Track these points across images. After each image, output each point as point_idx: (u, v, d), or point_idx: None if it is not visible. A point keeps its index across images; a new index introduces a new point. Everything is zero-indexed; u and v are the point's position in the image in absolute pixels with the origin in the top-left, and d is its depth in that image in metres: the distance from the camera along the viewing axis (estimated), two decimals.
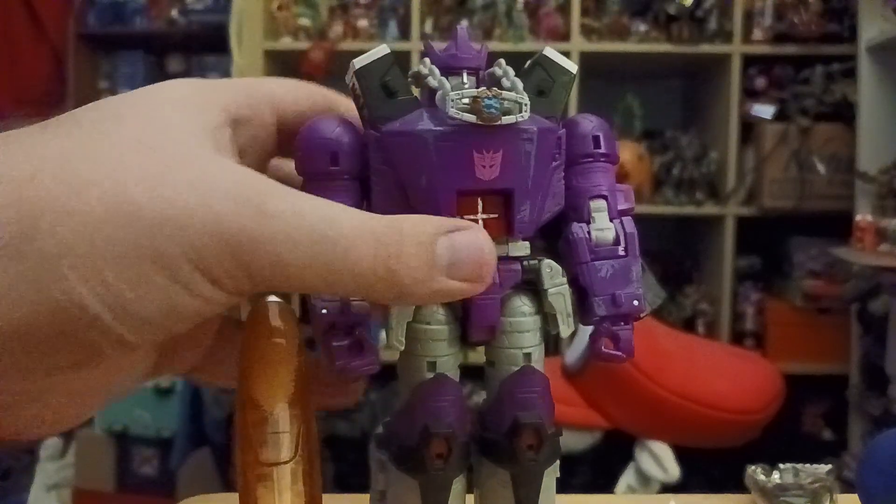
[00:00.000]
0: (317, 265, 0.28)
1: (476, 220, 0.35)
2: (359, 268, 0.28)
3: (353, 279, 0.28)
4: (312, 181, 0.35)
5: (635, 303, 0.36)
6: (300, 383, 0.32)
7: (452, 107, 0.33)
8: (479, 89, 0.33)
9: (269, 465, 0.30)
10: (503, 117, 0.33)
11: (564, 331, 0.36)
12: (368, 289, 0.29)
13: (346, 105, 0.38)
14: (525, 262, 0.36)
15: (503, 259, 0.35)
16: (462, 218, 0.34)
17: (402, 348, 0.35)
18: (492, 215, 0.35)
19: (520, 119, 0.33)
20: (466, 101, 0.33)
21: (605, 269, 0.36)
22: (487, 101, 0.33)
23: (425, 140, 0.34)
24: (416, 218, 0.30)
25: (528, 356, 0.36)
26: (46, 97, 3.02)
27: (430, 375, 0.35)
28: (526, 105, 0.33)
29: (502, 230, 0.35)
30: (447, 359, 0.35)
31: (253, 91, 0.35)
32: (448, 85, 0.34)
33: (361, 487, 0.39)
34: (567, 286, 0.36)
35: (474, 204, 0.35)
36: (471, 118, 0.33)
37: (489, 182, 0.34)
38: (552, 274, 0.35)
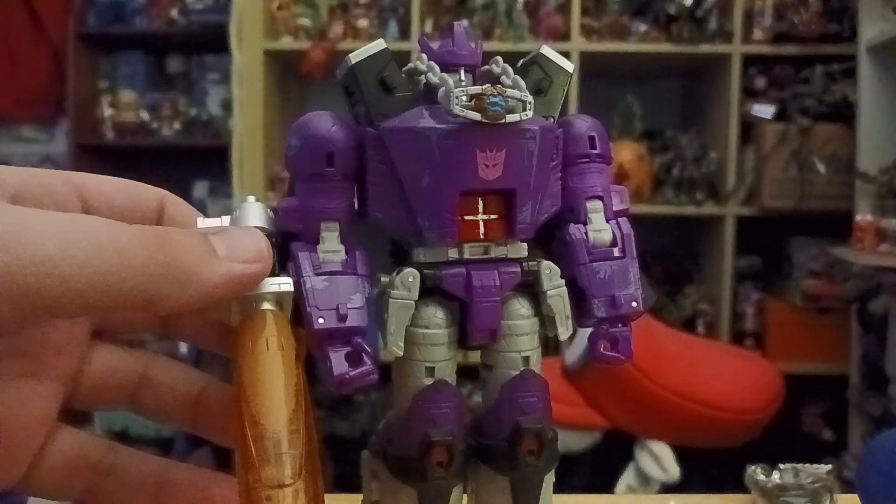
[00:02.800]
0: (88, 257, 0.25)
1: (476, 221, 0.34)
2: (131, 252, 0.26)
3: (129, 268, 0.26)
4: (304, 181, 0.34)
5: (634, 304, 0.35)
6: (300, 397, 0.30)
7: (457, 104, 0.32)
8: (484, 86, 0.32)
9: (272, 488, 0.28)
10: (507, 115, 0.32)
11: (563, 333, 0.35)
12: (151, 279, 0.27)
13: (172, 200, 0.35)
14: (525, 264, 0.35)
15: (502, 261, 0.34)
16: (462, 219, 0.34)
17: (402, 353, 0.34)
18: (492, 216, 0.34)
19: (524, 117, 0.32)
20: (469, 98, 0.32)
21: (604, 271, 0.35)
22: (493, 99, 0.32)
23: (428, 138, 0.32)
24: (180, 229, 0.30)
25: (526, 360, 0.35)
26: (46, 97, 3.02)
27: (429, 381, 0.34)
28: (530, 103, 0.32)
29: (503, 231, 0.34)
30: (446, 364, 0.34)
31: (50, 176, 0.32)
32: (451, 81, 0.33)
33: (361, 488, 0.39)
34: (565, 288, 0.35)
35: (475, 204, 0.34)
36: (475, 116, 0.32)
37: (492, 182, 0.33)
38: (551, 276, 0.35)
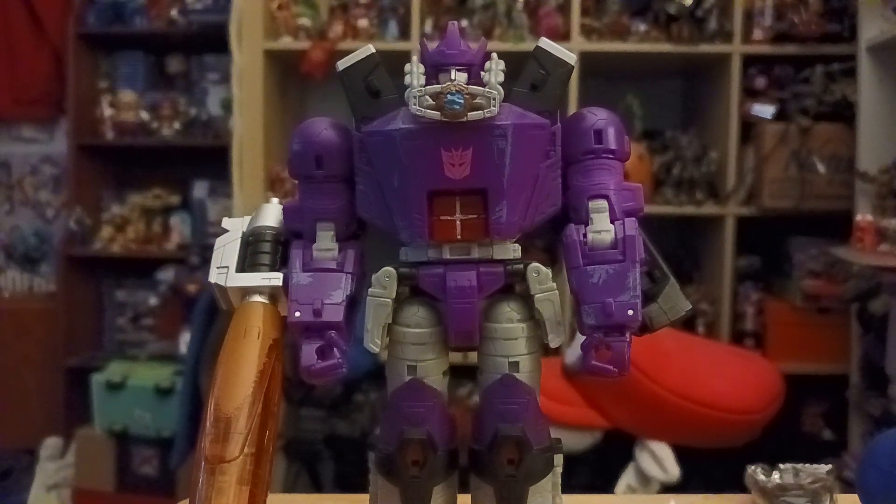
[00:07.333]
0: None
1: (453, 221, 0.34)
2: None
3: None
4: (301, 183, 0.35)
5: (629, 312, 0.32)
6: (262, 384, 0.32)
7: (415, 104, 0.32)
8: (444, 84, 0.32)
9: (219, 462, 0.31)
10: (470, 113, 0.32)
11: (554, 340, 0.34)
12: None
13: None
14: (509, 266, 0.34)
15: (483, 262, 0.34)
16: (438, 219, 0.34)
17: (378, 350, 0.34)
18: (470, 216, 0.34)
19: (487, 114, 0.32)
20: (432, 97, 0.32)
21: (598, 275, 0.33)
22: (450, 97, 0.32)
23: (394, 139, 0.33)
24: None
25: (514, 365, 0.34)
26: (46, 97, 3.01)
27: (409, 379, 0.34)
28: (495, 99, 0.32)
29: (482, 231, 0.34)
30: (428, 363, 0.34)
31: None
32: (417, 81, 0.33)
33: (361, 487, 0.39)
34: (556, 292, 0.34)
35: (452, 205, 0.34)
36: (434, 115, 0.32)
37: (461, 181, 0.33)
38: (540, 279, 0.34)
